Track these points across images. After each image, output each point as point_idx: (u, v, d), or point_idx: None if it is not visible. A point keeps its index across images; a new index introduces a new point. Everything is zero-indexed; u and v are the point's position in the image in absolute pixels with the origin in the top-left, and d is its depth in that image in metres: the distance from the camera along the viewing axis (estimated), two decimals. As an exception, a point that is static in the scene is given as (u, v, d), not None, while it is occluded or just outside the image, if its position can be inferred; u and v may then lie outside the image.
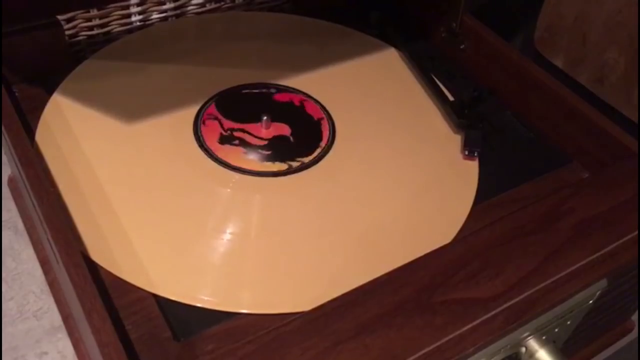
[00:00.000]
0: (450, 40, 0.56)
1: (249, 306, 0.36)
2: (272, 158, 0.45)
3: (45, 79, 0.49)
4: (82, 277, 0.33)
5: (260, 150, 0.45)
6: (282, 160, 0.45)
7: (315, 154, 0.45)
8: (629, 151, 0.44)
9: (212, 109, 0.48)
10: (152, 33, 0.56)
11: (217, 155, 0.45)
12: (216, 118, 0.48)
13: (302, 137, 0.47)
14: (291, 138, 0.46)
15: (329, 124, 0.47)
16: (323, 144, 0.46)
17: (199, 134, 0.46)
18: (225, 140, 0.46)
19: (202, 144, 0.45)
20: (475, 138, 0.47)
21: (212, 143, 0.46)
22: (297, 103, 0.49)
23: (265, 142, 0.46)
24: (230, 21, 0.58)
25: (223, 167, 0.44)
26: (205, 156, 0.45)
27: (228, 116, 0.48)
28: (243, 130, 0.47)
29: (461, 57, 0.55)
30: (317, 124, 0.48)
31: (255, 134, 0.47)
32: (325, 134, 0.47)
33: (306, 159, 0.45)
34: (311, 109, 0.49)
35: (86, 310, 0.31)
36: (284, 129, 0.47)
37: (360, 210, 0.43)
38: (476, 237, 0.37)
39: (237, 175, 0.44)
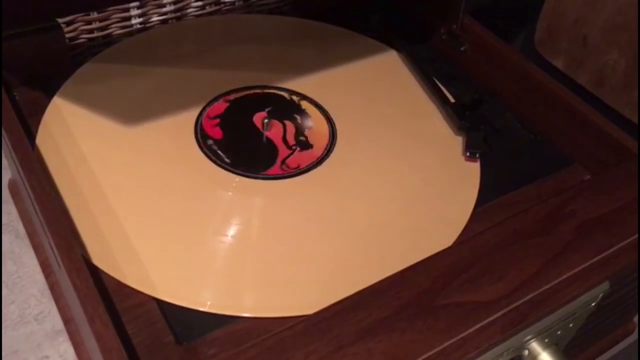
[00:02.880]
0: (450, 43, 0.56)
1: (251, 310, 0.36)
2: None
3: (45, 82, 0.49)
4: (84, 282, 0.32)
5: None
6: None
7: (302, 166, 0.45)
8: (630, 153, 0.44)
9: (223, 104, 0.49)
10: (152, 36, 0.56)
11: (205, 131, 0.45)
12: (222, 113, 0.48)
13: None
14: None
15: (329, 139, 0.47)
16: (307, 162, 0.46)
17: (200, 136, 0.46)
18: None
19: (202, 147, 0.45)
20: (476, 140, 0.47)
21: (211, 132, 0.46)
22: (306, 113, 0.49)
23: (259, 145, 0.46)
24: (230, 24, 0.58)
25: (224, 169, 0.44)
26: (206, 159, 0.45)
27: (233, 114, 0.49)
28: (243, 128, 0.47)
29: (462, 59, 0.55)
30: (318, 137, 0.47)
31: (254, 134, 0.47)
32: (322, 149, 0.46)
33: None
34: (318, 122, 0.48)
35: (88, 314, 0.31)
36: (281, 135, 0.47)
37: (361, 213, 0.43)
38: (478, 239, 0.37)
39: (237, 178, 0.44)
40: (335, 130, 0.48)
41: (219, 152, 0.45)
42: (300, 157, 0.45)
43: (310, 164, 0.45)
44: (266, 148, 0.46)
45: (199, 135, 0.46)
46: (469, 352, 0.31)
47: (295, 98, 0.50)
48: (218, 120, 0.48)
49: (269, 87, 0.51)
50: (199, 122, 0.47)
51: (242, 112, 0.49)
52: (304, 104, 0.49)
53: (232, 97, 0.50)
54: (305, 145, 0.46)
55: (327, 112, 0.49)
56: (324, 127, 0.48)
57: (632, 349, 0.50)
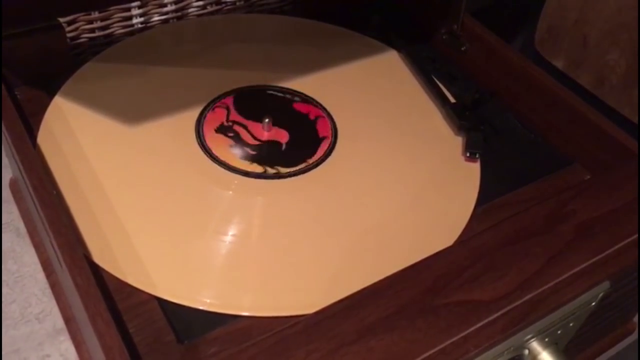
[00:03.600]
0: (451, 42, 0.56)
1: (252, 309, 0.36)
2: (252, 158, 0.45)
3: (46, 81, 0.49)
4: (86, 281, 0.33)
5: (247, 149, 0.45)
6: (261, 164, 0.45)
7: (297, 167, 0.45)
8: (630, 152, 0.44)
9: (229, 100, 0.49)
10: (153, 35, 0.56)
11: (205, 142, 0.45)
12: (227, 108, 0.48)
13: (295, 149, 0.46)
14: (284, 146, 0.46)
15: (329, 144, 0.47)
16: (311, 161, 0.45)
17: (201, 136, 0.46)
18: (222, 130, 0.47)
19: (203, 146, 0.45)
20: (476, 140, 0.47)
21: (209, 130, 0.46)
22: (311, 117, 0.49)
23: (258, 143, 0.46)
24: (231, 23, 0.59)
25: (225, 169, 0.44)
26: (207, 158, 0.45)
27: (239, 110, 0.48)
28: (244, 126, 0.47)
29: (462, 59, 0.55)
30: (318, 141, 0.47)
31: (254, 133, 0.47)
32: (320, 153, 0.46)
33: (284, 170, 0.44)
34: (322, 126, 0.48)
35: (90, 313, 0.31)
36: (283, 136, 0.47)
37: (362, 212, 0.43)
38: (478, 239, 0.37)
39: (238, 178, 0.44)
40: (337, 136, 0.48)
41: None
42: (280, 163, 0.45)
43: (286, 172, 0.44)
44: (264, 148, 0.46)
45: (200, 134, 0.46)
46: (469, 351, 0.31)
47: (297, 99, 0.50)
48: (224, 115, 0.48)
49: (271, 87, 0.51)
50: (201, 120, 0.47)
51: (256, 108, 0.49)
52: (315, 112, 0.49)
53: (246, 92, 0.50)
54: (294, 153, 0.46)
55: (330, 114, 0.49)
56: (323, 143, 0.47)
57: (632, 348, 0.51)
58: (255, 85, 0.51)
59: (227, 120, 0.47)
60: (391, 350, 0.31)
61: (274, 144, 0.46)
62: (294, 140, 0.47)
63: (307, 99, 0.50)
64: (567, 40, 0.70)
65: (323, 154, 0.46)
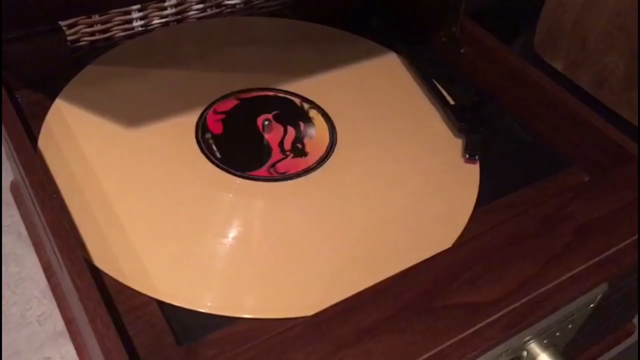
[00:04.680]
0: (450, 45, 0.56)
1: (251, 311, 0.36)
2: (253, 161, 0.45)
3: (47, 84, 0.49)
4: (85, 283, 0.33)
5: (247, 151, 0.46)
6: (262, 166, 0.45)
7: (300, 169, 0.45)
8: (630, 154, 0.44)
9: (229, 102, 0.49)
10: (153, 38, 0.56)
11: (205, 145, 0.46)
12: (227, 110, 0.49)
13: (295, 149, 0.46)
14: (285, 147, 0.47)
15: (329, 142, 0.47)
16: (312, 161, 0.45)
17: (201, 138, 0.46)
18: (221, 133, 0.47)
19: (203, 149, 0.46)
20: (475, 142, 0.47)
21: (209, 132, 0.47)
22: (308, 115, 0.49)
23: (259, 145, 0.47)
24: (231, 26, 0.59)
25: (225, 172, 0.44)
26: (207, 161, 0.45)
27: (238, 113, 0.49)
28: (244, 128, 0.48)
29: (461, 61, 0.56)
30: (318, 141, 0.47)
31: (254, 134, 0.47)
32: (320, 153, 0.46)
33: (286, 172, 0.44)
34: (319, 124, 0.49)
35: (90, 316, 0.31)
36: (282, 137, 0.47)
37: (361, 214, 0.43)
38: (477, 241, 0.37)
39: (238, 180, 0.44)
40: (336, 138, 0.48)
41: (213, 146, 0.46)
42: (292, 164, 0.45)
43: (300, 171, 0.45)
44: (260, 149, 0.46)
45: (199, 137, 0.46)
46: (467, 353, 0.31)
47: (305, 105, 0.50)
48: (223, 115, 0.48)
49: (281, 90, 0.51)
50: (204, 116, 0.48)
51: (249, 112, 0.49)
52: (312, 112, 0.49)
53: (242, 96, 0.50)
54: (300, 153, 0.46)
55: (331, 120, 0.49)
56: (325, 138, 0.47)
57: (632, 350, 0.51)
58: (255, 88, 0.51)
59: (227, 124, 0.47)
60: (390, 353, 0.31)
61: (275, 146, 0.47)
62: (294, 140, 0.47)
63: (305, 100, 0.50)
64: (566, 42, 0.70)
65: (323, 155, 0.46)
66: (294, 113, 0.49)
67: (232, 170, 0.44)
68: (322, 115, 0.49)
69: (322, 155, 0.46)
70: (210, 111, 0.48)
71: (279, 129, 0.48)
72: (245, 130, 0.48)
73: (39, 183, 0.38)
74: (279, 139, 0.47)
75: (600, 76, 0.67)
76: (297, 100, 0.50)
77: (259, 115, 0.48)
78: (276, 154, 0.46)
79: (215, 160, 0.45)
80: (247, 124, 0.48)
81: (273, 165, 0.45)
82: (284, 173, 0.44)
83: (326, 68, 0.54)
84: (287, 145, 0.47)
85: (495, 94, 0.52)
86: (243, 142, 0.47)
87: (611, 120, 0.46)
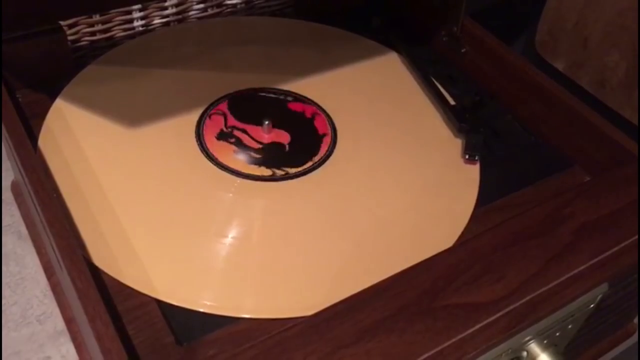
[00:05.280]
0: (451, 44, 0.56)
1: (250, 311, 0.36)
2: (259, 162, 0.45)
3: (48, 84, 0.49)
4: (85, 282, 0.33)
5: (251, 153, 0.46)
6: (268, 167, 0.45)
7: (304, 167, 0.45)
8: (630, 154, 0.44)
9: (224, 105, 0.49)
10: (154, 38, 0.56)
11: (209, 150, 0.45)
12: (223, 114, 0.48)
13: (298, 148, 0.46)
14: (287, 147, 0.47)
15: (330, 140, 0.47)
16: (316, 158, 0.46)
17: (201, 137, 0.46)
18: (222, 136, 0.47)
19: (204, 148, 0.46)
20: (476, 142, 0.47)
21: (210, 137, 0.46)
22: (308, 115, 0.49)
23: (260, 146, 0.46)
24: (232, 26, 0.59)
25: (225, 171, 0.44)
26: (208, 161, 0.45)
27: (235, 115, 0.48)
28: (243, 131, 0.47)
29: (462, 61, 0.55)
30: (319, 139, 0.47)
31: (254, 136, 0.47)
32: (324, 150, 0.46)
33: (292, 170, 0.45)
34: (319, 123, 0.48)
35: (89, 315, 0.31)
36: (284, 137, 0.47)
37: (361, 214, 0.43)
38: (477, 241, 0.37)
39: (238, 180, 0.44)
40: (337, 138, 0.48)
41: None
42: (287, 164, 0.45)
43: (295, 172, 0.45)
44: (260, 149, 0.46)
45: (200, 137, 0.46)
46: (467, 352, 0.31)
47: (307, 106, 0.50)
48: (224, 115, 0.48)
49: (282, 90, 0.51)
50: (201, 123, 0.48)
51: (250, 111, 0.49)
52: (310, 110, 0.49)
53: (243, 95, 0.50)
54: (300, 152, 0.46)
55: (332, 120, 0.49)
56: (325, 141, 0.47)
57: (632, 351, 0.50)
58: (256, 88, 0.51)
59: (226, 126, 0.47)
60: (389, 352, 0.31)
61: (277, 146, 0.47)
62: (296, 140, 0.47)
63: (302, 99, 0.50)
64: (567, 42, 0.70)
65: (327, 152, 0.46)
66: (295, 113, 0.49)
67: (231, 169, 0.44)
68: (323, 115, 0.49)
69: (322, 156, 0.46)
70: (212, 110, 0.48)
71: (280, 129, 0.48)
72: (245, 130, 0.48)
73: (39, 182, 0.38)
74: (279, 139, 0.47)
75: (602, 76, 0.67)
76: (307, 107, 0.50)
77: (260, 114, 0.48)
78: (275, 154, 0.46)
79: (215, 159, 0.45)
80: (248, 124, 0.48)
81: (272, 165, 0.45)
82: (284, 173, 0.44)
83: (327, 68, 0.54)
84: (287, 145, 0.47)
85: (496, 94, 0.52)
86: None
87: (613, 120, 0.46)
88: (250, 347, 0.31)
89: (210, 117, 0.48)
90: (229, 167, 0.44)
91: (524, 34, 0.78)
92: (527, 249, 0.36)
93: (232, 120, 0.48)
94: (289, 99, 0.50)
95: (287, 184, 0.44)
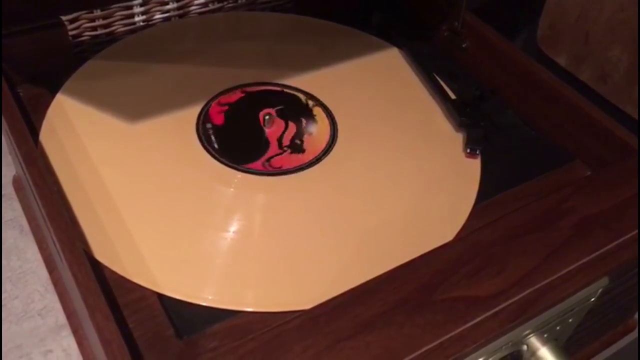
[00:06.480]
0: (452, 39, 0.56)
1: (251, 304, 0.36)
2: (256, 155, 0.45)
3: (49, 79, 0.50)
4: (86, 276, 0.33)
5: (249, 146, 0.46)
6: (266, 160, 0.45)
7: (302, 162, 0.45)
8: (631, 149, 0.44)
9: (230, 97, 0.49)
10: (155, 33, 0.56)
11: (206, 138, 0.45)
12: (228, 105, 0.49)
13: (297, 143, 0.46)
14: (287, 141, 0.47)
15: (331, 135, 0.47)
16: (315, 154, 0.46)
17: (202, 132, 0.46)
18: (223, 126, 0.47)
19: (204, 143, 0.46)
20: (477, 136, 0.47)
21: (210, 126, 0.47)
22: (309, 110, 0.49)
23: (261, 140, 0.47)
24: (233, 21, 0.59)
25: (225, 166, 0.44)
26: (208, 155, 0.45)
27: (240, 107, 0.49)
28: (245, 123, 0.48)
29: (463, 56, 0.55)
30: (319, 135, 0.47)
31: (256, 129, 0.47)
32: (322, 146, 0.46)
33: (288, 165, 0.45)
34: (320, 119, 0.49)
35: (90, 308, 0.32)
36: (284, 130, 0.47)
37: (362, 208, 0.43)
38: (478, 235, 0.37)
39: (239, 175, 0.44)
40: (337, 133, 0.48)
41: (212, 136, 0.46)
42: (288, 160, 0.45)
43: (294, 167, 0.45)
44: (258, 143, 0.46)
45: (200, 130, 0.46)
46: (467, 346, 0.31)
47: (310, 102, 0.50)
48: (227, 107, 0.48)
49: (285, 85, 0.51)
50: (207, 106, 0.48)
51: (253, 105, 0.49)
52: (316, 110, 0.49)
53: (248, 89, 0.50)
54: (298, 149, 0.46)
55: (332, 114, 0.49)
56: (325, 135, 0.47)
57: (633, 346, 0.50)
58: (259, 82, 0.51)
59: (229, 115, 0.48)
60: (388, 346, 0.31)
61: (273, 140, 0.47)
62: (294, 136, 0.47)
63: (309, 96, 0.50)
64: (569, 37, 0.70)
65: (319, 153, 0.46)
66: (297, 109, 0.49)
67: (225, 161, 0.44)
68: (324, 110, 0.49)
69: (318, 154, 0.46)
70: (215, 102, 0.48)
71: (280, 124, 0.48)
72: (246, 123, 0.48)
73: (40, 176, 0.38)
74: (278, 134, 0.47)
75: (603, 71, 0.67)
76: (302, 97, 0.50)
77: (262, 109, 0.48)
78: (273, 149, 0.46)
79: (212, 151, 0.45)
80: (249, 117, 0.48)
81: (268, 159, 0.45)
82: (279, 168, 0.44)
83: (328, 63, 0.54)
84: (286, 140, 0.47)
85: (497, 89, 0.52)
86: (242, 135, 0.47)
87: (614, 115, 0.46)
88: (250, 340, 0.31)
89: (215, 106, 0.48)
90: (222, 157, 0.44)
91: (525, 29, 0.78)
92: (527, 242, 0.36)
93: (234, 113, 0.48)
94: (306, 101, 0.50)
95: (287, 178, 0.44)
